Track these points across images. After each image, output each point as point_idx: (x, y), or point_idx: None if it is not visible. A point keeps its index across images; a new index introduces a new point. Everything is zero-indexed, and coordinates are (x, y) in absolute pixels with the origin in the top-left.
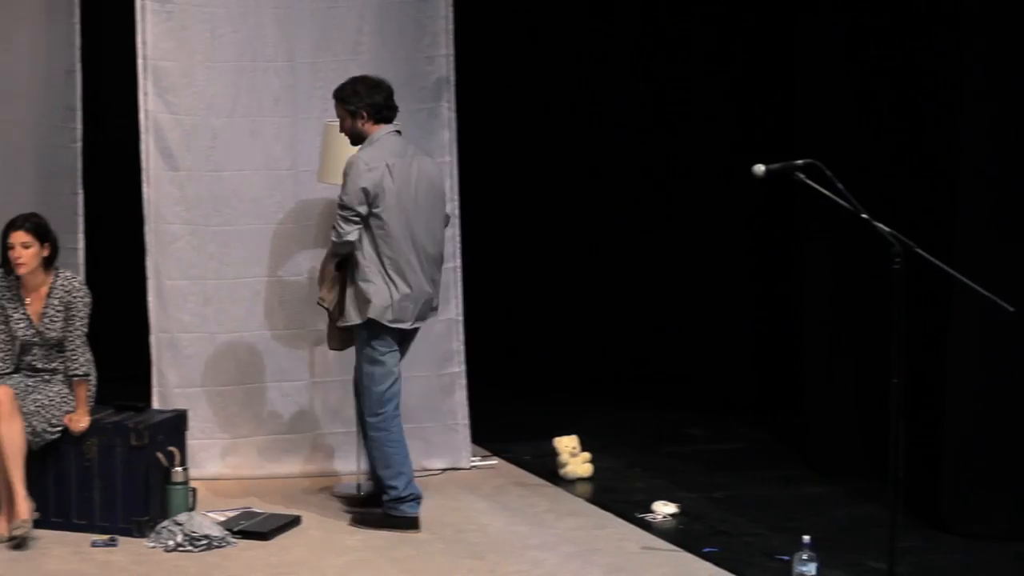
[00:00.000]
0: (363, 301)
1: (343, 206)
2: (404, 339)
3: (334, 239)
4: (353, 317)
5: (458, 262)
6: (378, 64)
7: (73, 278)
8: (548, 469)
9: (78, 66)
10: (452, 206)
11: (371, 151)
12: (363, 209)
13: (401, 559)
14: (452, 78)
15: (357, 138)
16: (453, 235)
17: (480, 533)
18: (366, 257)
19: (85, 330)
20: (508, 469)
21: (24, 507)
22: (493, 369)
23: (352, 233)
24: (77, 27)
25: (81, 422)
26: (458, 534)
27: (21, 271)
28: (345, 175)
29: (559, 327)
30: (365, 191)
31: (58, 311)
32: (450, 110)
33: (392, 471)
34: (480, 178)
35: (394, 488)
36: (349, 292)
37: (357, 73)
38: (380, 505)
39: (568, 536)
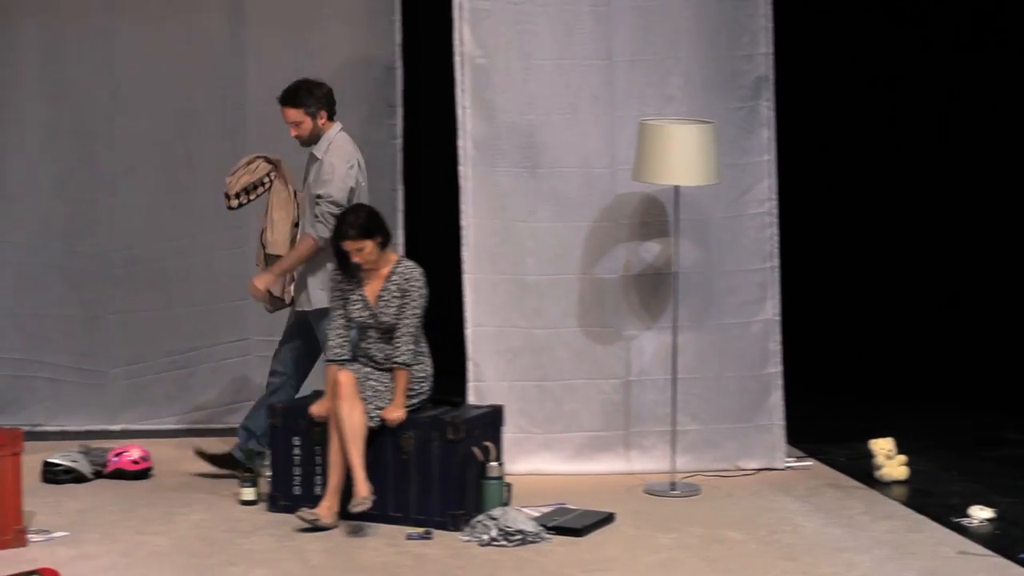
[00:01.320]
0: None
1: (334, 203)
2: None
3: (325, 236)
4: (323, 301)
5: (776, 262)
6: (696, 63)
7: (414, 268)
8: (863, 471)
9: (399, 63)
10: (771, 205)
11: (344, 150)
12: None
13: (714, 558)
14: (771, 76)
15: (315, 139)
16: (771, 235)
17: (794, 534)
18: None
19: (416, 322)
20: (823, 470)
21: (364, 487)
22: (809, 370)
23: None
24: (398, 25)
25: (395, 413)
26: (772, 535)
27: (368, 267)
28: (331, 173)
29: (876, 328)
30: (352, 189)
31: (395, 296)
32: (769, 109)
33: None
34: (798, 177)
35: None
36: (319, 277)
37: (676, 72)
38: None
39: (883, 539)
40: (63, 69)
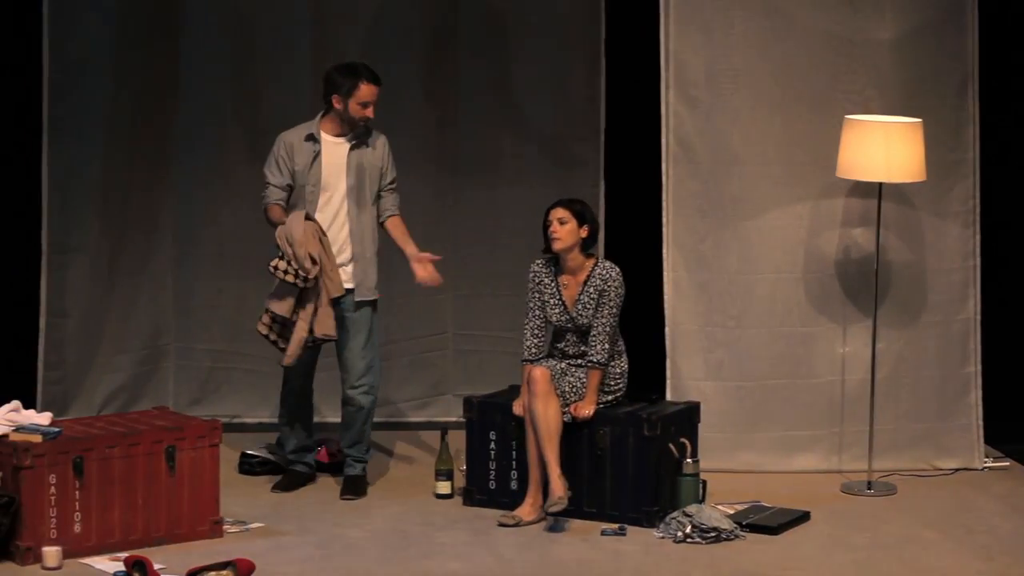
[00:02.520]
0: None
1: None
2: None
3: None
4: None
5: (976, 260)
6: (904, 59)
7: (612, 268)
8: None
9: (602, 59)
10: (974, 203)
11: None
12: None
13: (910, 559)
14: (976, 75)
15: None
16: (973, 232)
17: (990, 535)
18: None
19: (612, 321)
20: (1021, 471)
21: (559, 486)
22: (1008, 369)
23: None
24: (602, 17)
25: (584, 409)
26: (968, 535)
27: (556, 246)
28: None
29: None
30: None
31: (592, 298)
32: (974, 107)
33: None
34: (998, 175)
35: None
36: (375, 265)
37: (881, 68)
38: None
39: None
40: (274, 63)
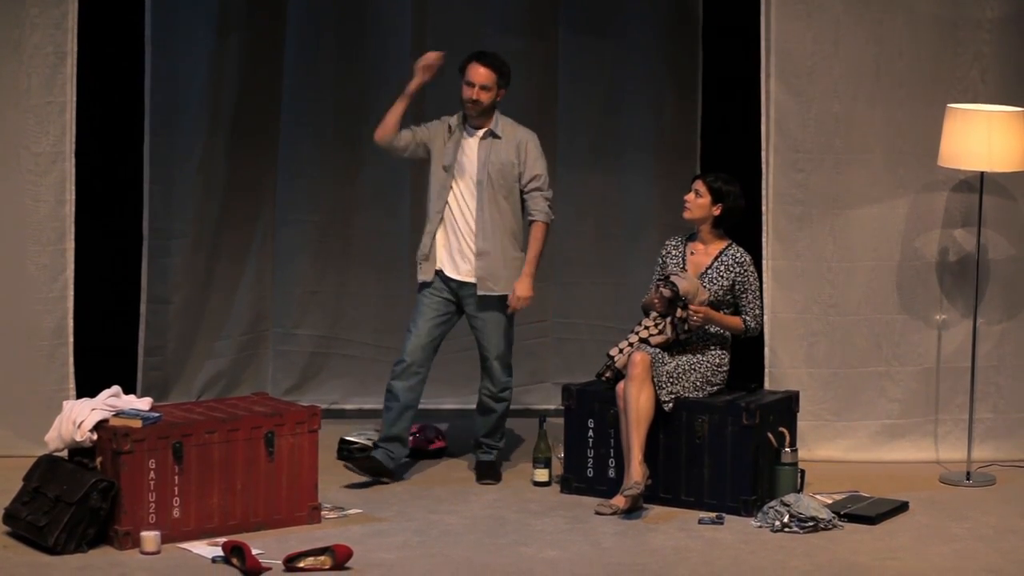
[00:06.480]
0: None
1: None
2: None
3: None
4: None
5: None
6: (1009, 44)
7: (746, 254)
8: None
9: (700, 46)
10: None
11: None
12: None
13: (1008, 550)
14: None
15: (486, 113)
16: None
17: None
18: None
19: (758, 298)
20: None
21: (638, 471)
22: None
23: None
24: (699, 5)
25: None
26: None
27: (685, 215)
28: (539, 152)
29: None
30: None
31: (720, 274)
32: None
33: None
34: None
35: None
36: (505, 263)
37: (984, 56)
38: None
39: None
40: (377, 47)
